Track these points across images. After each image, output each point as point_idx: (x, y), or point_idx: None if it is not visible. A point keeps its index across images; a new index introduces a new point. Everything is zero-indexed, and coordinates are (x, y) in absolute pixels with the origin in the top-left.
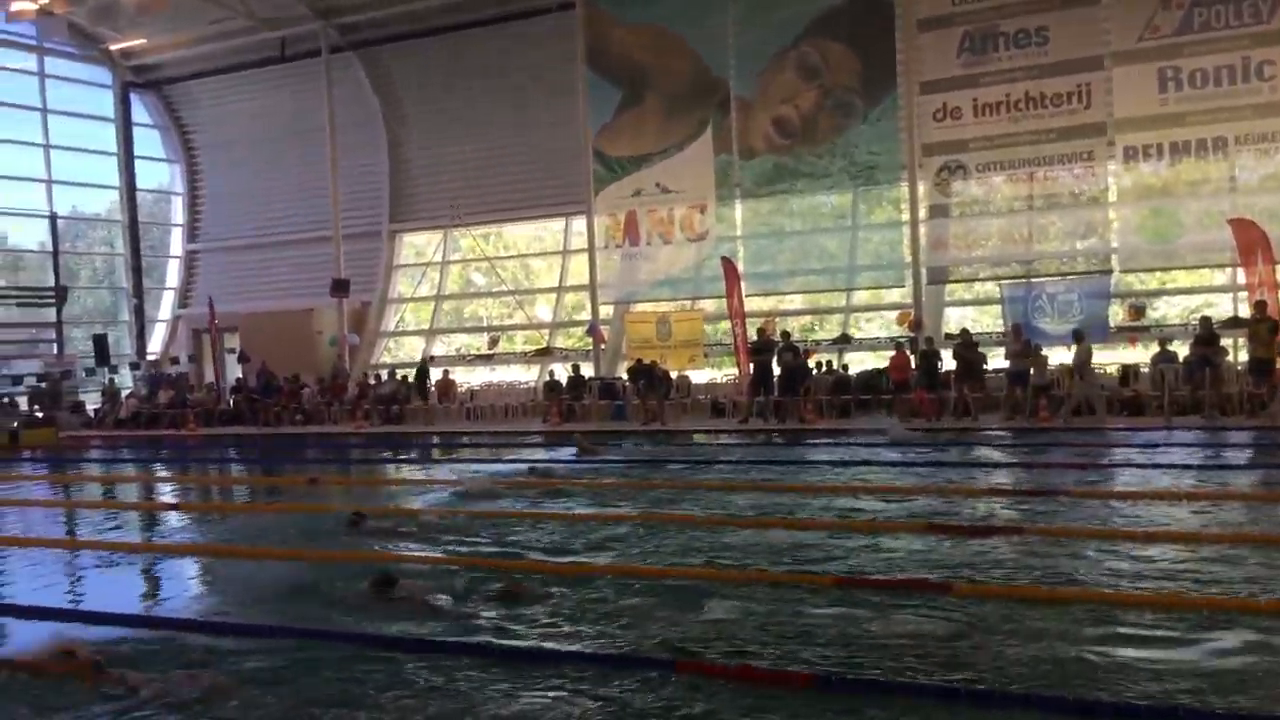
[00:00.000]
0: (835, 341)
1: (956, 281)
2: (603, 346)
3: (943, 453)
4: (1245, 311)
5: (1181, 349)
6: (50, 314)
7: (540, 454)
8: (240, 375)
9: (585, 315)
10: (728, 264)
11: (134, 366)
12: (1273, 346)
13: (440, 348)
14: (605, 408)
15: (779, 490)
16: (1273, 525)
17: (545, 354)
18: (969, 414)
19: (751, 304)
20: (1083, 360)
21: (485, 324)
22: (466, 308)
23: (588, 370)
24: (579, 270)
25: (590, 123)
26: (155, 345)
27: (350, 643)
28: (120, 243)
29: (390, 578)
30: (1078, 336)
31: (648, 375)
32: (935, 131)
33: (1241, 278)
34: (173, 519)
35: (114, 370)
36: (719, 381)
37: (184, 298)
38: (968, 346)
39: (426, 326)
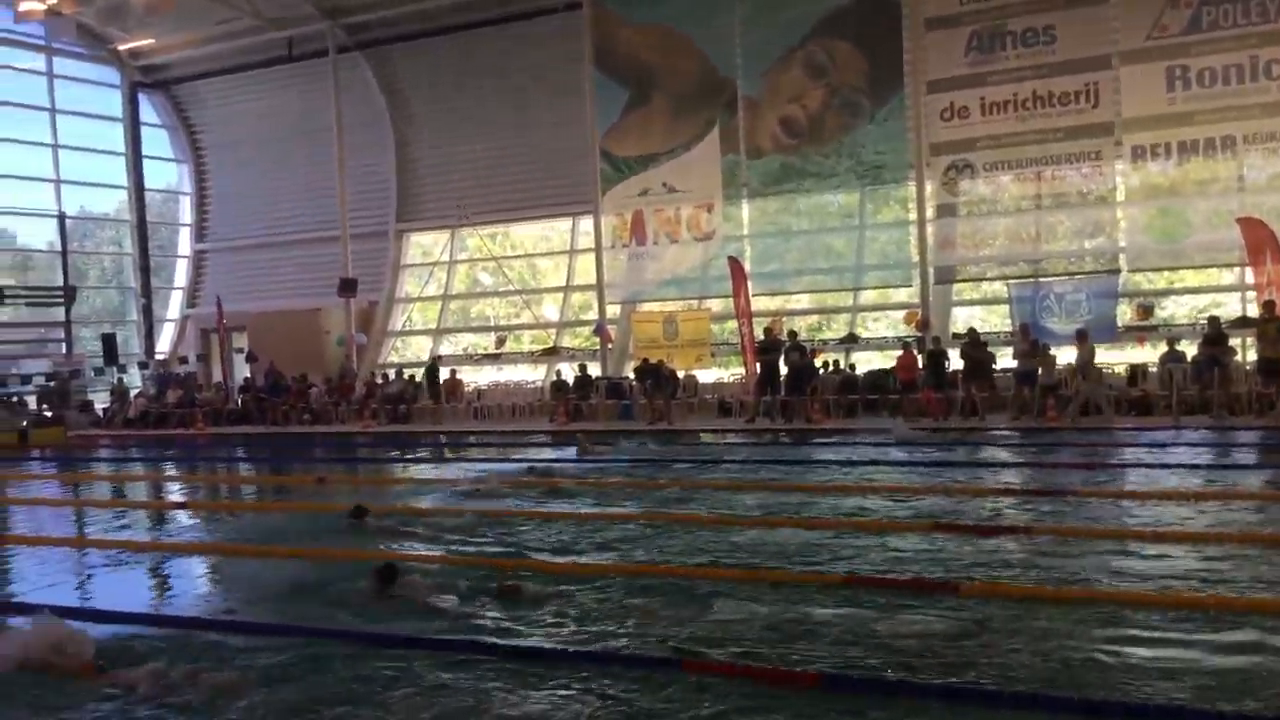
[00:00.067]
0: (842, 341)
1: (964, 281)
2: (610, 346)
3: (949, 452)
4: (1254, 311)
5: (1190, 349)
6: (59, 313)
7: (544, 453)
8: (248, 375)
9: (592, 315)
10: (734, 264)
11: (142, 366)
12: None
13: (447, 347)
14: (612, 407)
15: (785, 490)
16: None
17: (552, 353)
18: (976, 414)
19: (758, 303)
20: (1085, 360)
21: (492, 324)
22: (473, 307)
23: (595, 370)
24: (586, 270)
25: (597, 123)
26: (164, 345)
27: (357, 641)
28: (128, 242)
29: (392, 569)
30: (1080, 336)
31: (654, 375)
32: (942, 131)
33: (1250, 277)
34: (181, 518)
35: (122, 370)
36: (726, 381)
37: (192, 297)
38: (975, 346)
39: (433, 326)
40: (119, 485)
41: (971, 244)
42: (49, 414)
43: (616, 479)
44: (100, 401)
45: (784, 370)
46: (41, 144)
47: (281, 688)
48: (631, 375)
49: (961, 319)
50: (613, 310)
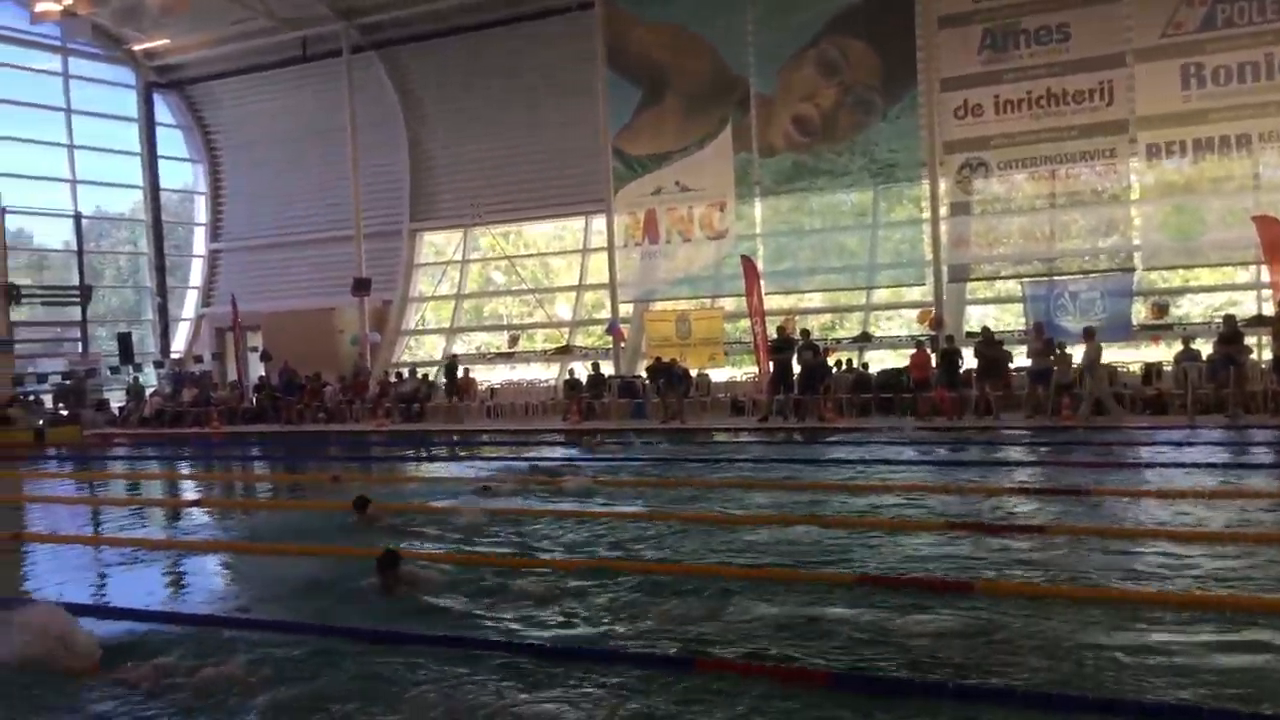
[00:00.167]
0: (855, 340)
1: (978, 279)
2: (622, 345)
3: (961, 452)
4: (1269, 309)
5: (1205, 347)
6: (75, 313)
7: (556, 452)
8: (263, 373)
9: (605, 313)
10: (747, 262)
11: (158, 365)
12: None
13: (460, 346)
14: (625, 406)
15: (798, 489)
16: None
17: (565, 352)
18: (990, 412)
19: (771, 302)
20: (1092, 359)
21: (505, 322)
22: (486, 306)
23: (607, 368)
24: (599, 269)
25: (610, 121)
26: (179, 344)
27: (368, 639)
28: (144, 242)
29: (393, 556)
30: (1088, 334)
31: (667, 374)
32: (956, 129)
33: (1265, 275)
34: (195, 516)
35: (138, 369)
36: (738, 380)
37: (207, 296)
38: (989, 344)
39: (447, 325)
40: (134, 483)
41: (985, 242)
42: (65, 413)
43: (628, 478)
44: (116, 400)
45: (797, 369)
46: (57, 144)
47: (291, 685)
48: (644, 374)
49: (975, 318)
50: (625, 309)
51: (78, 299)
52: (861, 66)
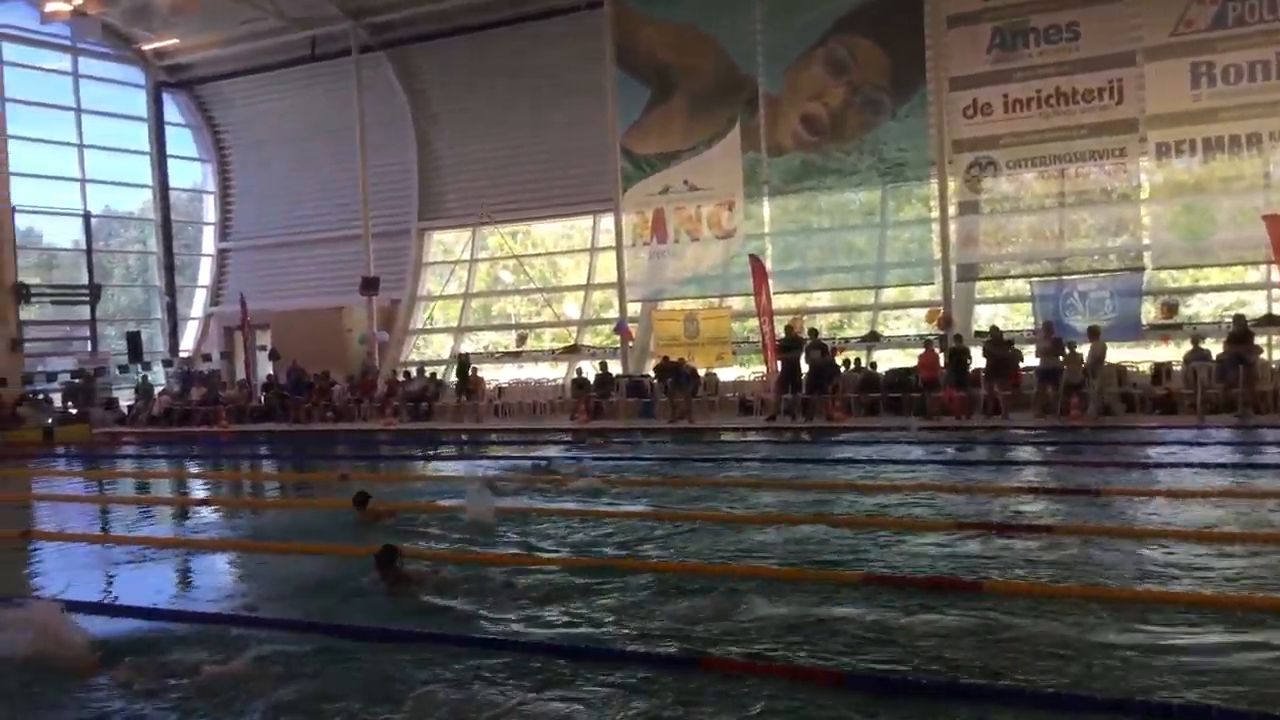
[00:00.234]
0: (864, 339)
1: (987, 279)
2: (630, 344)
3: (968, 451)
4: (1279, 309)
5: (1215, 347)
6: (84, 312)
7: (563, 450)
8: (271, 372)
9: (613, 313)
10: (755, 261)
11: (167, 364)
12: None
13: (468, 345)
14: (633, 405)
15: (805, 488)
16: None
17: (573, 351)
18: (999, 412)
19: (779, 301)
20: (1097, 358)
21: (513, 321)
22: (494, 305)
23: (615, 368)
24: (607, 268)
25: (618, 120)
26: (188, 343)
27: (373, 637)
28: (153, 241)
29: (391, 551)
30: (1092, 333)
31: (675, 373)
32: (965, 128)
33: (1276, 275)
34: (203, 514)
35: (147, 367)
36: (747, 379)
37: (216, 295)
38: (997, 344)
39: (455, 324)
40: (142, 482)
41: (994, 241)
42: (74, 411)
43: (636, 477)
44: (125, 399)
45: (805, 368)
46: (67, 144)
47: (296, 683)
48: (652, 373)
49: (984, 317)
50: (633, 308)
51: (87, 298)
52: (870, 66)
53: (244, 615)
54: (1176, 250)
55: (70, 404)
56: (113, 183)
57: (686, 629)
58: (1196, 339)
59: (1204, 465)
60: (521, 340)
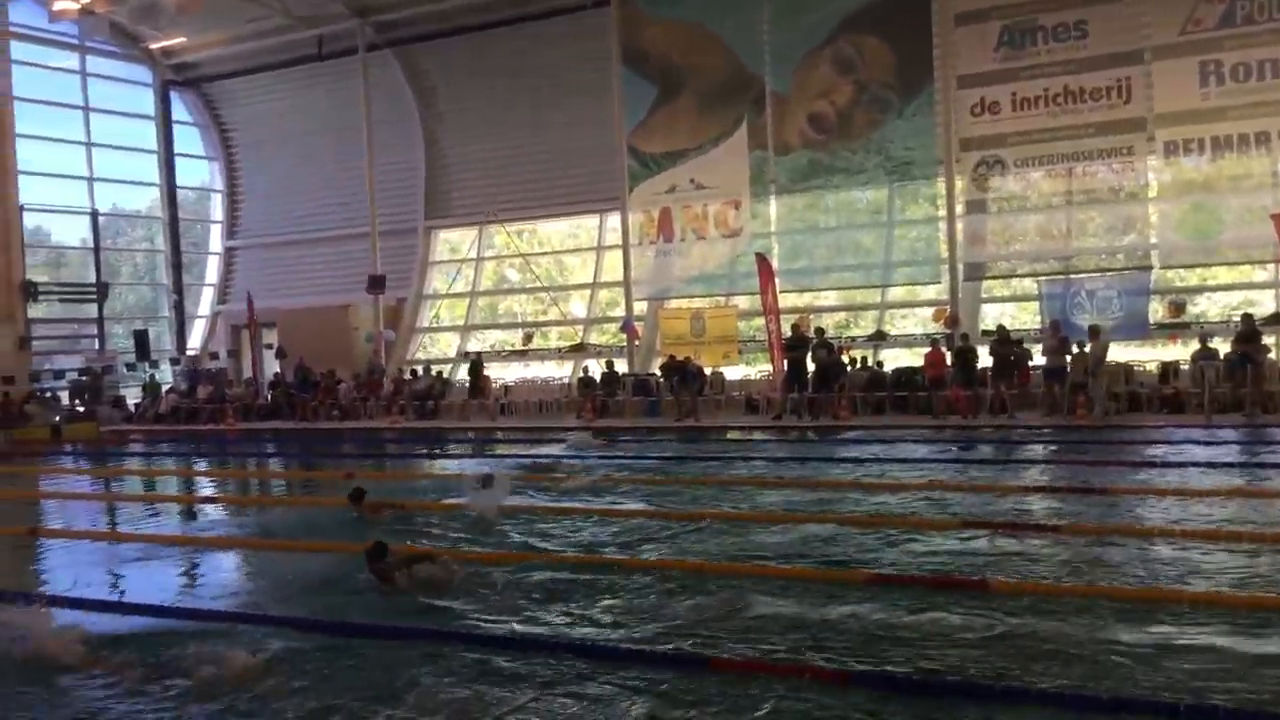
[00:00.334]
0: (870, 338)
1: (994, 278)
2: (637, 343)
3: (974, 450)
4: None
5: (1222, 346)
6: (92, 310)
7: (569, 449)
8: (278, 370)
9: (619, 311)
10: (762, 260)
11: (174, 362)
12: None
13: (474, 344)
14: (639, 404)
15: (811, 486)
16: None
17: (579, 350)
18: (1005, 411)
19: (786, 300)
20: (1098, 357)
21: (519, 320)
22: (501, 304)
23: (622, 366)
24: (613, 266)
25: (624, 119)
26: (195, 341)
27: (376, 635)
28: (161, 239)
29: (382, 548)
30: (1093, 332)
31: (681, 371)
32: (973, 126)
33: None
34: (210, 512)
35: (154, 365)
36: (753, 378)
37: (223, 294)
38: (1004, 343)
39: (461, 323)
40: (149, 480)
41: (1002, 240)
42: (82, 409)
43: (642, 475)
44: (132, 397)
45: (811, 367)
46: (75, 142)
47: (298, 681)
48: (658, 372)
49: (991, 316)
50: (640, 307)
51: (94, 296)
52: (877, 64)
53: (248, 613)
54: (1184, 249)
55: (78, 402)
56: (120, 181)
57: (692, 628)
58: (1204, 338)
59: (1211, 465)
60: (527, 339)
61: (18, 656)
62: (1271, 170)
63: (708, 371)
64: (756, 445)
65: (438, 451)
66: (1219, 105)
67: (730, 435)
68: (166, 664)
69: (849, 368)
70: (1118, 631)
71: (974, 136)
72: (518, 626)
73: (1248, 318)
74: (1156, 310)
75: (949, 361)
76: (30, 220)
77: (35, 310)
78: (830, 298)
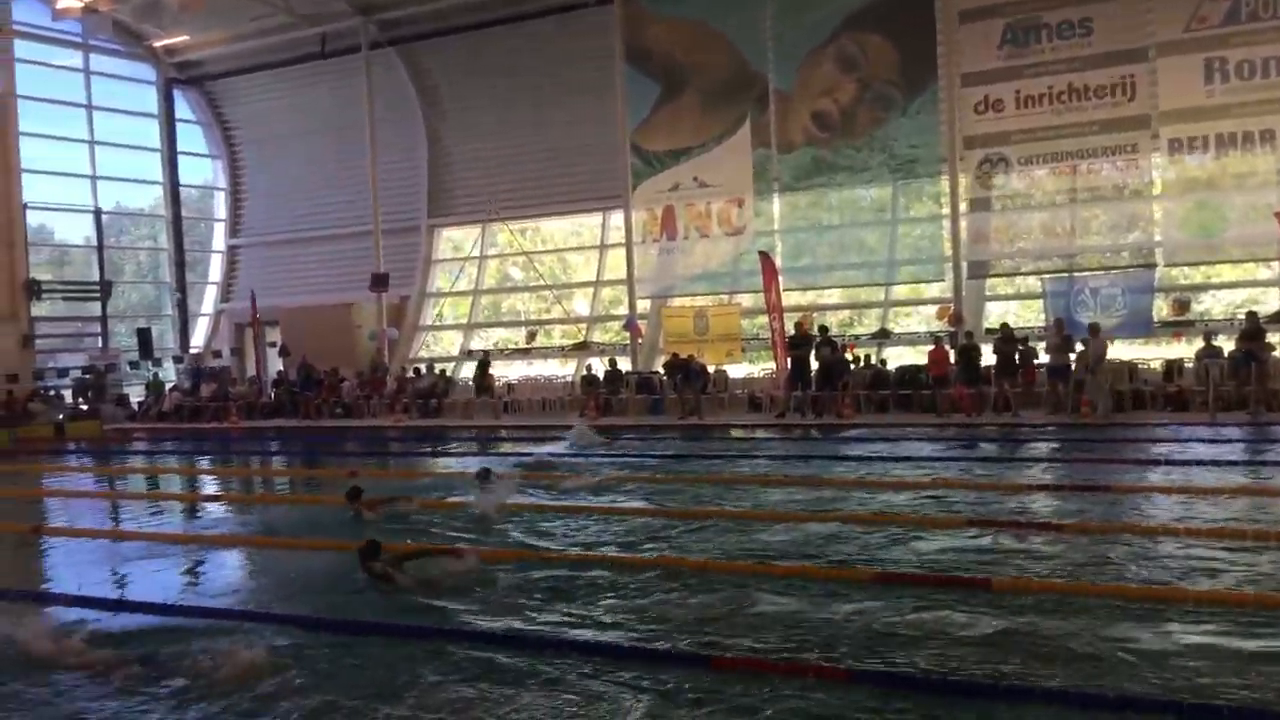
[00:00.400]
0: (874, 336)
1: (997, 276)
2: (640, 341)
3: (977, 448)
4: None
5: (1226, 344)
6: (95, 308)
7: (567, 448)
8: (281, 369)
9: (622, 310)
10: (765, 258)
11: (177, 360)
12: None
13: (477, 342)
14: (642, 402)
15: (815, 485)
16: None
17: (582, 348)
18: (1009, 409)
19: (789, 298)
20: (1098, 355)
21: (523, 318)
22: (504, 302)
23: (625, 364)
24: (616, 265)
25: (628, 117)
26: (198, 339)
27: (378, 633)
28: (164, 237)
29: (375, 547)
30: (1093, 330)
31: (685, 370)
32: (976, 124)
33: None
34: (213, 510)
35: (157, 364)
36: (756, 376)
37: (226, 292)
38: (1007, 341)
39: (464, 321)
40: (153, 478)
41: (1005, 238)
42: (85, 407)
43: (645, 473)
44: (135, 395)
45: (815, 365)
46: (78, 140)
47: (299, 679)
48: (662, 370)
49: (995, 314)
50: (643, 305)
51: (98, 294)
52: (880, 62)
53: (252, 611)
54: (1188, 247)
55: (81, 400)
56: (124, 179)
57: (695, 626)
58: (1208, 336)
59: (1215, 463)
60: (531, 337)
61: (17, 656)
62: (1276, 167)
63: (711, 369)
64: (760, 443)
65: (441, 449)
66: (1223, 103)
67: (734, 433)
68: (169, 662)
69: (852, 366)
70: (1122, 630)
71: (978, 134)
72: (520, 624)
73: (1252, 315)
74: (1160, 308)
75: (953, 359)
76: (34, 218)
77: (39, 308)
78: (834, 296)
